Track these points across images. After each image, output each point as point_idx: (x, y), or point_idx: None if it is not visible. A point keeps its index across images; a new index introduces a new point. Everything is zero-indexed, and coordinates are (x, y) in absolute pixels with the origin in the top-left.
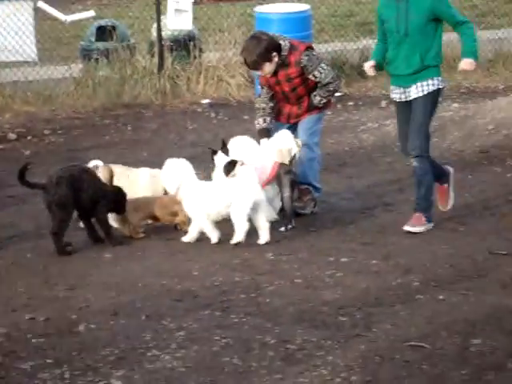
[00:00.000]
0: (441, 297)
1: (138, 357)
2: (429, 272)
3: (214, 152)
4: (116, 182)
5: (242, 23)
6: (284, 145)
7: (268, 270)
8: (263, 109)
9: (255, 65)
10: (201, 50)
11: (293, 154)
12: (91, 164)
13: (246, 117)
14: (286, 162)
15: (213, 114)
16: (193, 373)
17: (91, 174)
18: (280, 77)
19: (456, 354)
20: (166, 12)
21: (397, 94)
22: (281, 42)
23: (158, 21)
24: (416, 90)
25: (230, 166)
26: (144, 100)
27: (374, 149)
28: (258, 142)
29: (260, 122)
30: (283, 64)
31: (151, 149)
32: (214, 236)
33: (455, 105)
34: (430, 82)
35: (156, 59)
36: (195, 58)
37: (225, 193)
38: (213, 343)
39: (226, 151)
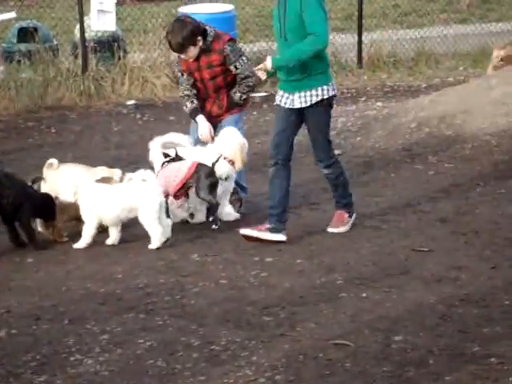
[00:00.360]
0: (364, 294)
1: (60, 362)
2: (352, 270)
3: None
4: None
5: (166, 24)
6: (240, 140)
7: (193, 271)
8: (187, 95)
9: (180, 47)
10: (125, 51)
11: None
12: (48, 162)
13: (171, 117)
14: (243, 159)
15: (138, 116)
16: (116, 376)
17: (12, 178)
18: (202, 62)
19: (378, 351)
20: (90, 13)
21: (281, 98)
22: (206, 28)
23: (81, 22)
24: (299, 100)
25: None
26: (68, 102)
27: (299, 148)
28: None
29: (188, 105)
30: (207, 50)
31: (76, 151)
32: (83, 241)
33: (379, 103)
34: (314, 92)
35: (80, 61)
36: (119, 59)
37: (122, 197)
38: (137, 346)
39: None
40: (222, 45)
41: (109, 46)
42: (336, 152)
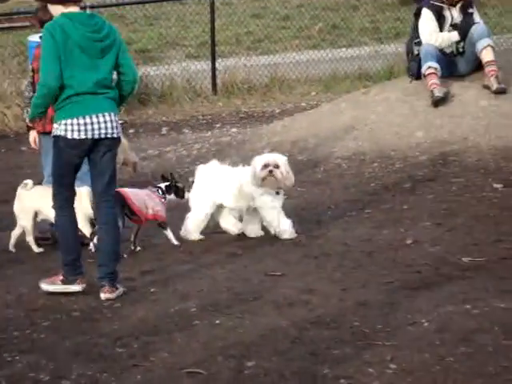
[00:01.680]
0: (217, 321)
1: None
2: (206, 297)
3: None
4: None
5: (16, 53)
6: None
7: (43, 304)
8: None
9: None
10: None
11: None
12: (24, 182)
13: (23, 148)
14: None
15: None
16: None
17: None
18: None
19: (231, 378)
20: None
21: None
22: None
23: None
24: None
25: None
26: None
27: (154, 176)
28: None
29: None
30: None
31: None
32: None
33: (234, 129)
34: (54, 126)
35: None
36: None
37: None
38: None
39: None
40: None
41: None
42: (191, 179)
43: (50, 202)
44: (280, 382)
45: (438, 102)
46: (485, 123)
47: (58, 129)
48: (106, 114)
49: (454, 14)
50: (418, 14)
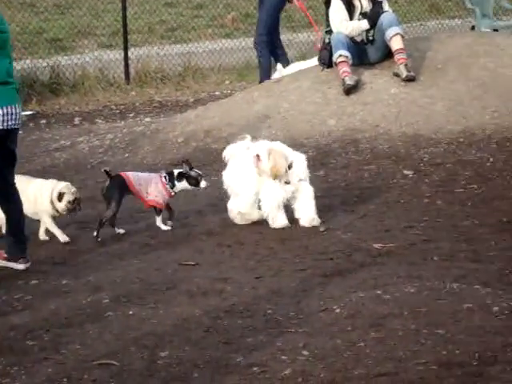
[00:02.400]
0: (131, 312)
1: None
2: (119, 288)
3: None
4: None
5: None
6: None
7: None
8: None
9: None
10: None
11: None
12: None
13: None
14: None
15: None
16: None
17: None
18: None
19: (144, 369)
20: None
21: None
22: None
23: None
24: None
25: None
26: None
27: (67, 167)
28: None
29: None
30: None
31: None
32: None
33: (147, 119)
34: None
35: None
36: None
37: None
38: None
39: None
40: None
41: None
42: (104, 169)
43: None
44: (193, 371)
45: (349, 90)
46: (395, 111)
47: None
48: (17, 105)
49: (363, 3)
50: (328, 3)
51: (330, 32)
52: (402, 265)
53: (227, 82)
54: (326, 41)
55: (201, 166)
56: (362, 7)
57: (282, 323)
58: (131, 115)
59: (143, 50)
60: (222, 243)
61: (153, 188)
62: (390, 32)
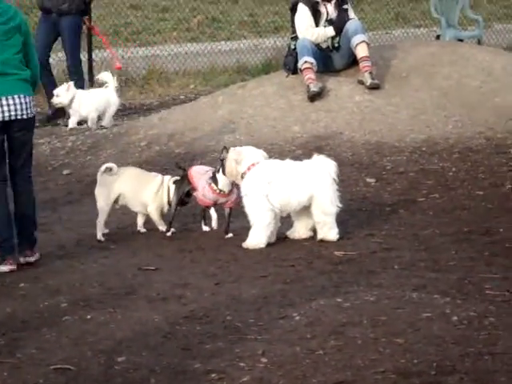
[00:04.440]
0: (89, 316)
1: None
2: (78, 292)
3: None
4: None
5: None
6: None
7: None
8: None
9: None
10: None
11: None
12: (104, 166)
13: None
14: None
15: None
16: None
17: None
18: None
19: (100, 374)
20: None
21: None
22: None
23: None
24: None
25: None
26: None
27: None
28: None
29: None
30: None
31: None
32: None
33: None
34: None
35: None
36: None
37: None
38: None
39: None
40: None
41: None
42: (65, 172)
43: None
44: (150, 377)
45: (313, 97)
46: (359, 118)
47: None
48: (16, 95)
49: (329, 10)
50: (293, 9)
51: (295, 38)
52: (363, 273)
53: (192, 85)
54: (292, 47)
55: (162, 170)
56: (327, 14)
57: (242, 330)
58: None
59: (107, 53)
60: (183, 248)
61: (202, 187)
62: (355, 39)
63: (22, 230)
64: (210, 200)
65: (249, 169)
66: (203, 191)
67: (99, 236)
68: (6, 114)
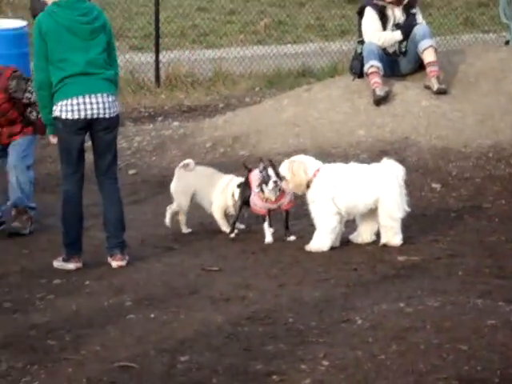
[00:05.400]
0: (152, 315)
1: None
2: (142, 291)
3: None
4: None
5: None
6: None
7: None
8: None
9: None
10: None
11: None
12: (182, 163)
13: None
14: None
15: None
16: None
17: None
18: None
19: (163, 372)
20: None
21: None
22: None
23: None
24: None
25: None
26: None
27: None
28: None
29: None
30: None
31: None
32: None
33: (176, 123)
34: (53, 108)
35: None
36: None
37: None
38: None
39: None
40: (4, 82)
41: None
42: (131, 172)
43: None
44: (212, 377)
45: (379, 101)
46: (425, 123)
47: (56, 110)
48: (99, 94)
49: (396, 14)
50: (361, 13)
51: (362, 42)
52: (426, 278)
53: (257, 88)
54: (358, 51)
55: (227, 172)
56: (395, 18)
57: (303, 332)
58: (160, 118)
59: (174, 54)
60: (246, 250)
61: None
62: (422, 44)
63: (113, 233)
64: (261, 208)
65: (314, 175)
66: (253, 199)
67: (184, 230)
68: (89, 112)
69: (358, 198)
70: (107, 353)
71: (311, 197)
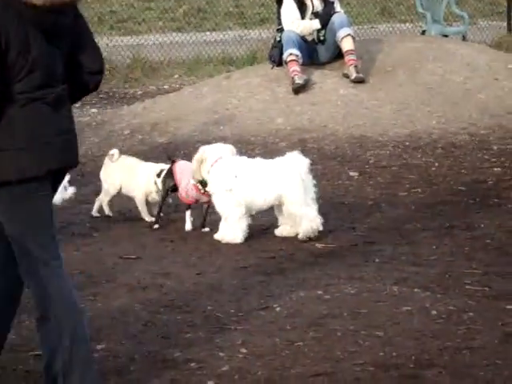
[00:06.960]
0: None
1: None
2: None
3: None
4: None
5: None
6: None
7: None
8: None
9: None
10: None
11: None
12: (110, 152)
13: None
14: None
15: None
16: None
17: None
18: None
19: None
20: None
21: None
22: None
23: None
24: None
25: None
26: None
27: None
28: None
29: None
30: None
31: None
32: None
33: (93, 110)
34: None
35: None
36: None
37: None
38: None
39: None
40: None
41: None
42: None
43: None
44: (130, 365)
45: (298, 89)
46: (343, 112)
47: None
48: None
49: (315, 3)
50: (280, 1)
51: (281, 30)
52: (344, 265)
53: (176, 75)
54: (277, 39)
55: (145, 159)
56: (313, 7)
57: (222, 320)
58: (77, 105)
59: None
60: (165, 238)
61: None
62: (341, 33)
63: None
64: (193, 198)
65: (211, 165)
66: (187, 190)
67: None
68: None
69: (256, 193)
70: (22, 342)
71: (211, 189)
